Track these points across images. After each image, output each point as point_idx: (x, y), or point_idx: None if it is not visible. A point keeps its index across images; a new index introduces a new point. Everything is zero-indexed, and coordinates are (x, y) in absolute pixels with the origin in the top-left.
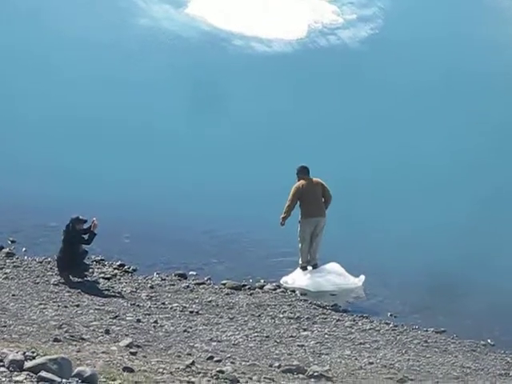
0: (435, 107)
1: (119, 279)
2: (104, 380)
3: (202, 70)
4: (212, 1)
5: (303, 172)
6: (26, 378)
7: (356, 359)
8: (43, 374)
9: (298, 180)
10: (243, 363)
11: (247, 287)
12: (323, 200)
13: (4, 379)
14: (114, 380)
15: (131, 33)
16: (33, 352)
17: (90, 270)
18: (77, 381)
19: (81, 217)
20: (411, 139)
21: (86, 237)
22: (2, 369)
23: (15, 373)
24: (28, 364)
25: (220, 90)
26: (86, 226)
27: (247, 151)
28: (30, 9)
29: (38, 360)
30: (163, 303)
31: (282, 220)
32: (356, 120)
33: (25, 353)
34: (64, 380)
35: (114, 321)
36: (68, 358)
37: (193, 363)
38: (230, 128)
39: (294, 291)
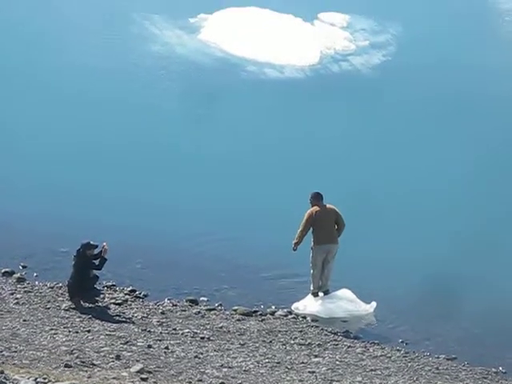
0: (446, 132)
1: (130, 305)
2: None
3: (214, 95)
4: (225, 26)
5: (317, 198)
6: None
7: None
8: None
9: (312, 206)
10: None
11: (258, 313)
12: (336, 227)
13: None
14: None
15: (144, 59)
16: (44, 378)
17: (101, 296)
18: None
19: (92, 242)
20: (422, 164)
21: (96, 262)
22: None
23: None
24: None
25: (232, 115)
26: (96, 251)
27: (259, 175)
28: (39, 33)
29: None
30: (174, 329)
31: (295, 246)
32: (368, 145)
33: (36, 379)
34: None
35: (125, 346)
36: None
37: None
38: (242, 152)
39: (305, 317)
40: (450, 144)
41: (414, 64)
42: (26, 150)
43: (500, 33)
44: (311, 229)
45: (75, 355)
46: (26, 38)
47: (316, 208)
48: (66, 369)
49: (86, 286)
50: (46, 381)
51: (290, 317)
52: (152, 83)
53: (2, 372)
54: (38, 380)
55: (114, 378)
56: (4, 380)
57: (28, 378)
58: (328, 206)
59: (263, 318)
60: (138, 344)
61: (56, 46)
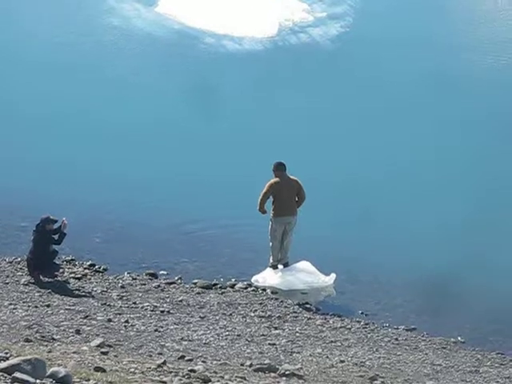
0: (403, 105)
1: (90, 279)
2: (78, 380)
3: (171, 67)
4: None
5: (279, 169)
6: None
7: (327, 357)
8: (17, 374)
9: (275, 176)
10: (214, 362)
11: (218, 286)
12: (297, 199)
13: None
14: (88, 380)
15: (101, 32)
16: (6, 353)
17: (61, 270)
18: (51, 381)
19: (51, 217)
20: (380, 136)
21: (56, 237)
22: None
23: None
24: (1, 365)
25: (190, 88)
26: (56, 226)
27: (220, 149)
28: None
29: (12, 361)
30: (134, 303)
31: (261, 211)
32: (325, 117)
33: None
34: (38, 381)
35: (85, 321)
36: (41, 358)
37: (164, 363)
38: (202, 125)
39: (264, 290)
40: (407, 116)
41: (371, 35)
42: None
43: (459, 8)
44: (272, 199)
45: (35, 330)
46: None
47: (278, 179)
48: (25, 343)
49: (46, 260)
50: (8, 355)
51: (249, 289)
52: (109, 56)
53: None
54: (0, 355)
55: (74, 353)
56: None
57: None
58: (292, 177)
59: (223, 290)
60: (98, 318)
61: (13, 18)
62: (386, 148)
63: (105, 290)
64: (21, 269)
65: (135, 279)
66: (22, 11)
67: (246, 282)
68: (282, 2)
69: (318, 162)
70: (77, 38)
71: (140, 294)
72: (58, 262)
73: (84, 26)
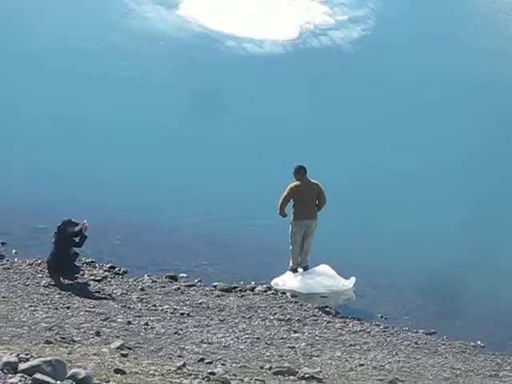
0: (424, 108)
1: (110, 281)
2: (98, 382)
3: (193, 70)
4: (204, 1)
5: (300, 172)
6: (20, 381)
7: (347, 361)
8: (38, 375)
9: (296, 180)
10: (234, 365)
11: (238, 289)
12: (317, 202)
13: None
14: (108, 382)
15: (122, 34)
16: (27, 354)
17: (81, 272)
18: (71, 383)
19: (73, 219)
20: (400, 140)
21: (77, 239)
22: None
23: (9, 375)
24: (22, 366)
25: (211, 91)
26: (77, 229)
27: (239, 151)
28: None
29: (33, 362)
30: (154, 305)
31: (281, 215)
32: (346, 120)
33: (19, 355)
34: (58, 382)
35: (105, 323)
36: (62, 359)
37: (184, 365)
38: (223, 128)
39: (284, 293)
40: (428, 119)
41: (393, 38)
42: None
43: (483, 10)
44: (292, 203)
45: (55, 331)
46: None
47: (298, 183)
48: (46, 345)
49: (66, 262)
50: (29, 356)
51: (269, 292)
52: (131, 59)
53: None
54: (21, 356)
55: (94, 354)
56: None
57: (10, 354)
58: (312, 180)
59: (243, 293)
60: (118, 320)
61: (35, 23)
62: (408, 150)
63: (125, 292)
64: (41, 271)
65: (155, 282)
66: (40, 14)
67: (265, 285)
68: (303, 4)
69: (338, 165)
70: (97, 41)
71: (160, 297)
72: (78, 264)
73: (105, 28)
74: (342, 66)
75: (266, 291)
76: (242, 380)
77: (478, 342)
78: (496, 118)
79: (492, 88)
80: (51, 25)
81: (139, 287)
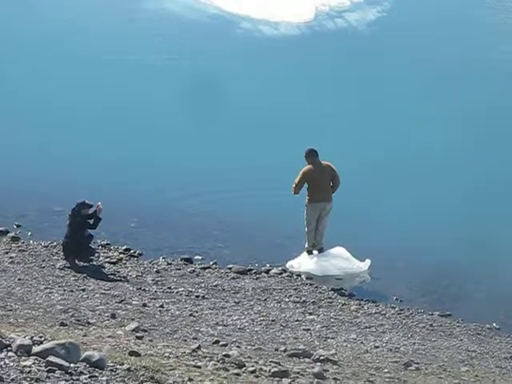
0: (441, 89)
1: (125, 263)
2: (112, 364)
3: (207, 52)
4: None
5: (311, 155)
6: (34, 363)
7: (362, 343)
8: (51, 358)
9: (308, 163)
10: (249, 347)
11: (253, 271)
12: (331, 184)
13: (12, 364)
14: (122, 364)
15: (136, 16)
16: (40, 337)
17: (96, 255)
18: (85, 365)
19: (87, 201)
20: (417, 123)
21: (91, 221)
22: (10, 353)
23: (23, 358)
24: (36, 349)
25: (227, 73)
26: (91, 211)
27: (254, 133)
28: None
29: (46, 345)
30: (169, 287)
31: (295, 193)
32: (362, 103)
33: (32, 337)
34: (72, 365)
35: (120, 305)
36: (76, 342)
37: (199, 347)
38: (238, 111)
39: (299, 275)
40: (447, 103)
41: (409, 20)
42: (16, 111)
43: None
44: (306, 185)
45: (70, 314)
46: None
47: (311, 167)
48: (61, 327)
49: (81, 245)
50: (42, 339)
51: (284, 275)
52: (144, 41)
53: None
54: (34, 338)
55: (109, 337)
56: (0, 338)
57: (24, 337)
58: (324, 162)
59: (258, 276)
60: (133, 303)
61: (46, 4)
62: (422, 131)
63: (140, 274)
64: (56, 253)
65: (170, 264)
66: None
67: (280, 268)
68: None
69: (351, 146)
70: (110, 23)
71: (175, 279)
72: (93, 247)
73: (118, 10)
74: (357, 48)
75: (281, 273)
76: (257, 362)
77: (494, 324)
78: None
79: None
80: (60, 6)
81: (154, 269)
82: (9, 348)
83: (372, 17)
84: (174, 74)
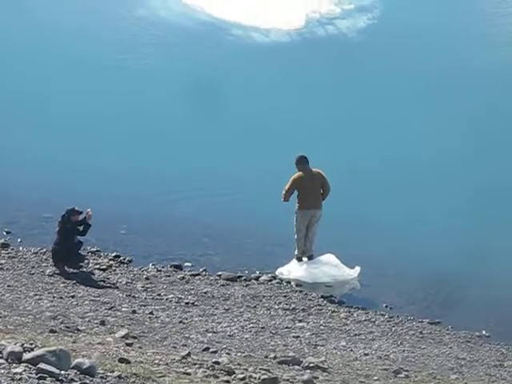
0: (431, 97)
1: (114, 270)
2: (102, 371)
3: (199, 59)
4: None
5: (302, 162)
6: (24, 370)
7: (351, 350)
8: (42, 365)
9: (298, 170)
10: (239, 354)
11: (243, 278)
12: (321, 191)
13: (3, 371)
14: (113, 371)
15: (128, 23)
16: (31, 344)
17: (86, 261)
18: (75, 372)
19: (76, 208)
20: (406, 128)
21: (81, 228)
22: (1, 361)
23: (14, 365)
24: (27, 356)
25: (218, 80)
26: (81, 218)
27: (245, 139)
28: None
29: (37, 352)
30: (159, 294)
31: (284, 200)
32: (353, 110)
33: (23, 344)
34: (63, 372)
35: (110, 312)
36: (66, 349)
37: (188, 354)
38: (228, 117)
39: (289, 282)
40: (434, 108)
41: (399, 27)
42: (5, 116)
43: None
44: (296, 192)
45: (60, 320)
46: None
47: (301, 173)
48: (50, 334)
49: (71, 251)
50: (33, 346)
51: (274, 282)
52: (136, 47)
53: None
54: (25, 345)
55: (99, 344)
56: None
57: (15, 344)
58: (314, 169)
59: (247, 283)
60: (123, 309)
61: (38, 6)
62: (416, 138)
63: (129, 281)
64: (46, 259)
65: (160, 271)
66: (44, 3)
67: (270, 275)
68: None
69: (343, 152)
70: (101, 29)
71: (165, 286)
72: (83, 253)
73: (109, 16)
74: (348, 55)
75: (270, 280)
76: (247, 369)
77: (483, 332)
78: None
79: (498, 76)
80: (52, 14)
81: (144, 276)
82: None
83: (362, 24)
84: (163, 80)
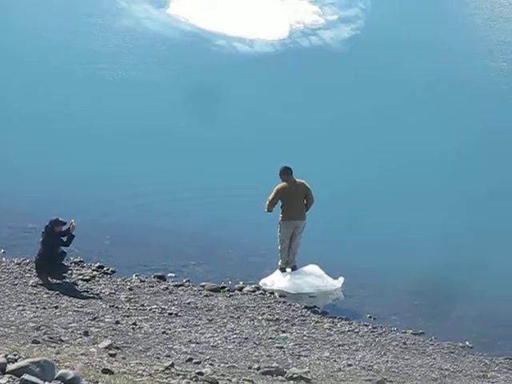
0: (414, 107)
1: (98, 281)
2: (86, 382)
3: (183, 69)
4: (194, 1)
5: (286, 173)
6: (8, 381)
7: (335, 361)
8: (26, 376)
9: (282, 181)
10: (222, 365)
11: (226, 289)
12: (305, 202)
13: None
14: (97, 382)
15: (112, 33)
16: (15, 355)
17: (69, 272)
18: (59, 383)
19: (60, 219)
20: (389, 138)
21: (64, 239)
22: None
23: None
24: (11, 367)
25: (201, 90)
26: (64, 228)
27: (228, 150)
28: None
29: (21, 363)
30: (142, 305)
31: (268, 211)
32: (336, 119)
33: (7, 355)
34: (47, 383)
35: (93, 322)
36: (50, 360)
37: (172, 365)
38: (211, 127)
39: (272, 293)
40: (415, 119)
41: (382, 38)
42: None
43: (475, 13)
44: (280, 203)
45: (43, 331)
46: None
47: (285, 184)
48: (34, 345)
49: (54, 262)
50: (17, 357)
51: (257, 292)
52: (119, 58)
53: None
54: (9, 356)
55: (82, 354)
56: None
57: None
58: (298, 180)
59: (231, 293)
60: (106, 320)
61: (24, 22)
62: (397, 148)
63: (113, 292)
64: (29, 270)
65: (143, 281)
66: (29, 10)
67: (254, 285)
68: (293, 4)
69: (327, 164)
70: (86, 40)
71: (148, 297)
72: (66, 264)
73: (94, 27)
74: (331, 65)
75: (254, 291)
76: (230, 380)
77: (467, 343)
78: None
79: (477, 87)
80: (39, 23)
81: (127, 287)
82: None
83: (346, 35)
84: (148, 90)
